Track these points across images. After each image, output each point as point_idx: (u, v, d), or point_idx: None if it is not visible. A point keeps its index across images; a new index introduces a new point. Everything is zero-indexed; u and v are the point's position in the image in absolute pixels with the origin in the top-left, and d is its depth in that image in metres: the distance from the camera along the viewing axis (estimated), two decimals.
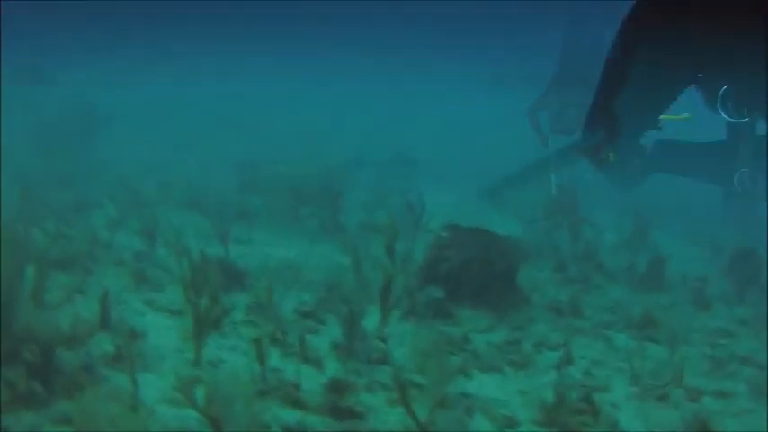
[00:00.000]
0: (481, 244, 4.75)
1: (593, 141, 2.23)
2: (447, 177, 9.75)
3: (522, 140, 12.53)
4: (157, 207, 6.65)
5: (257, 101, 16.24)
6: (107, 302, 3.71)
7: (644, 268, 5.89)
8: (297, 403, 3.08)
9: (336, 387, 3.16)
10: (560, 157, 2.76)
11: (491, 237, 4.89)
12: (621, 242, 6.84)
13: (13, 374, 2.81)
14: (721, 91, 1.84)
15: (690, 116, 2.24)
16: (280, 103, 15.90)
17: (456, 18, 40.65)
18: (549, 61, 21.92)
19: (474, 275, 4.70)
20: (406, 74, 22.46)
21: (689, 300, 5.47)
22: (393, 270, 4.07)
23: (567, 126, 8.54)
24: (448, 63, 25.09)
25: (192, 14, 32.70)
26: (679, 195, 8.57)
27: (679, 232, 7.24)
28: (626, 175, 2.38)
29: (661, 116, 2.12)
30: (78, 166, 8.41)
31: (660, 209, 8.21)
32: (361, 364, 3.56)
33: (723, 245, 6.54)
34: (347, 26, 35.60)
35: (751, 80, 1.77)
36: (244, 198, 7.47)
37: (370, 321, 4.17)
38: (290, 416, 2.99)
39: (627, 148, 2.33)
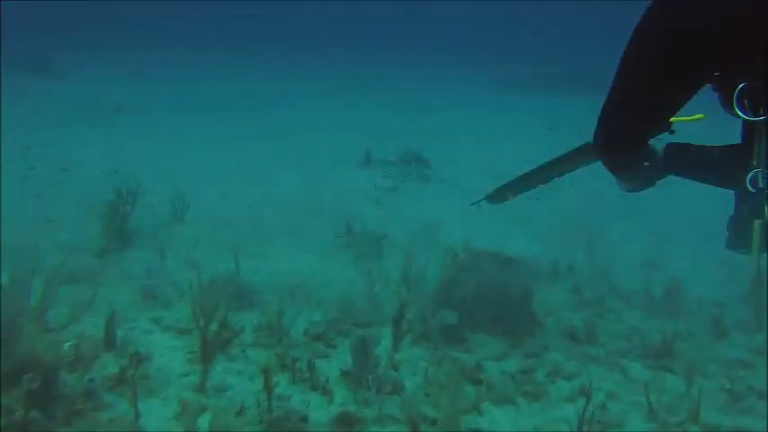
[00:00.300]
0: (497, 267, 4.65)
1: (615, 158, 2.16)
2: (459, 179, 9.65)
3: (532, 142, 12.56)
4: (170, 218, 6.69)
5: (268, 98, 16.28)
6: (113, 323, 3.65)
7: (660, 291, 5.77)
8: None
9: (345, 420, 3.07)
10: (570, 161, 2.69)
11: (508, 260, 4.79)
12: (639, 261, 6.72)
13: (12, 400, 2.75)
14: (738, 88, 1.77)
15: (704, 116, 2.15)
16: (289, 101, 15.91)
17: (468, 20, 40.87)
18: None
19: (489, 299, 4.60)
20: (416, 73, 22.36)
21: (706, 327, 5.33)
22: (407, 297, 3.97)
23: None
24: (459, 65, 25.06)
25: (195, 15, 32.98)
26: (702, 206, 8.46)
27: (699, 247, 7.09)
28: (636, 178, 2.31)
29: (672, 118, 2.04)
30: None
31: (682, 220, 8.16)
32: (371, 394, 3.46)
33: (741, 265, 6.44)
34: (356, 25, 35.81)
35: None
36: (257, 210, 7.43)
37: (382, 344, 4.08)
38: None
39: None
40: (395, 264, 6.06)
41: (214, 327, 3.41)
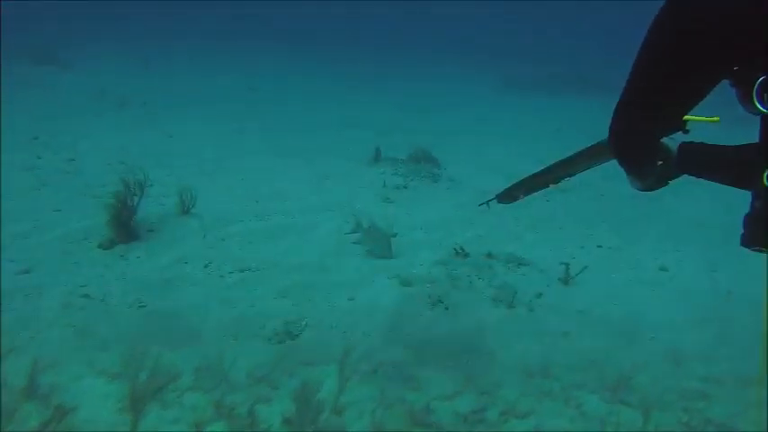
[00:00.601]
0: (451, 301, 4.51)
1: (626, 157, 2.14)
2: (468, 178, 9.60)
3: (540, 142, 12.57)
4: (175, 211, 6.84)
5: (274, 94, 16.31)
6: (38, 368, 3.44)
7: (618, 316, 5.66)
8: None
9: None
10: (583, 160, 2.59)
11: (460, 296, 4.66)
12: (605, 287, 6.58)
13: None
14: (758, 81, 1.73)
15: (719, 119, 2.10)
16: (294, 97, 15.93)
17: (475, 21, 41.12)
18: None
19: (442, 333, 4.46)
20: (421, 72, 22.45)
21: (664, 355, 5.21)
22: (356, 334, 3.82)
23: None
24: (463, 65, 25.19)
25: (202, 15, 32.92)
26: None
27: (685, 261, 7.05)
28: (649, 177, 2.23)
29: (686, 117, 1.99)
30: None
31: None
32: None
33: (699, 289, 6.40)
34: (361, 25, 35.92)
35: None
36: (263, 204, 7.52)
37: (329, 384, 3.92)
38: None
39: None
40: (405, 263, 6.00)
41: (146, 373, 3.22)
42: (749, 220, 2.06)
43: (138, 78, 16.45)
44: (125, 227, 6.06)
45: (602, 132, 2.47)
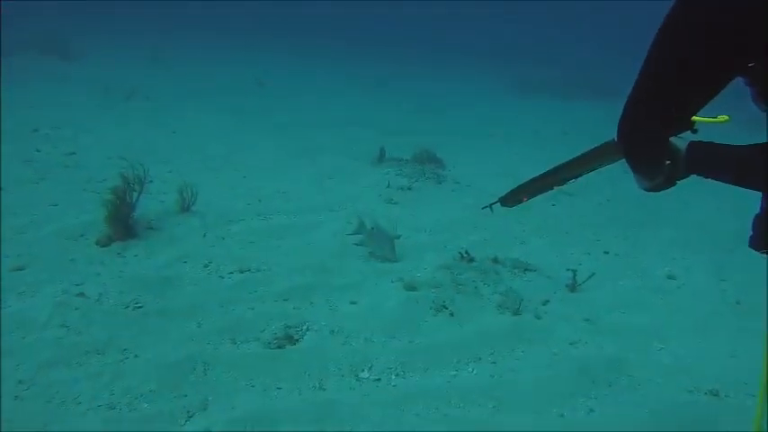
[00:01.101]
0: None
1: (633, 156, 2.07)
2: (473, 179, 9.51)
3: (546, 144, 12.63)
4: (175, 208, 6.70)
5: (282, 91, 16.34)
6: None
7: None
8: None
9: None
10: (590, 161, 2.51)
11: None
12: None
13: None
14: None
15: (729, 118, 2.03)
16: (301, 96, 15.94)
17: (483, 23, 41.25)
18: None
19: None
20: (430, 73, 22.57)
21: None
22: None
23: None
24: (472, 67, 25.29)
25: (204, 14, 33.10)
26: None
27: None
28: (656, 177, 2.15)
29: (695, 118, 1.93)
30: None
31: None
32: None
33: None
34: (370, 25, 36.09)
35: None
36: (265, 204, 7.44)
37: None
38: None
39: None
40: (409, 266, 5.99)
41: None
42: (759, 223, 1.99)
43: (144, 72, 16.45)
44: (123, 224, 5.95)
45: (607, 135, 2.39)
